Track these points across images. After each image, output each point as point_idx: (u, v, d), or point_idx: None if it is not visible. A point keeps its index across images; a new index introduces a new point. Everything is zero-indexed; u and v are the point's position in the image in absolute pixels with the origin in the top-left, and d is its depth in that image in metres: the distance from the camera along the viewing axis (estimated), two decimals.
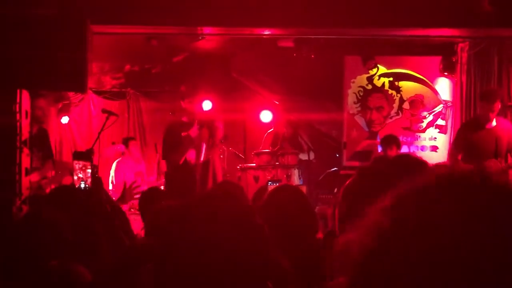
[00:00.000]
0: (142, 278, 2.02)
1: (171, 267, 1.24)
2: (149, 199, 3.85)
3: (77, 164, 4.46)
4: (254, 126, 8.68)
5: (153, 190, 4.37)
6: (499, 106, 5.96)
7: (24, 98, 5.42)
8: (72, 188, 3.94)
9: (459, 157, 6.06)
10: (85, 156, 4.51)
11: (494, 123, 5.93)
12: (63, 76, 4.95)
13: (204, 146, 6.17)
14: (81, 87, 5.09)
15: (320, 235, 2.96)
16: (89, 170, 4.24)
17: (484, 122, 5.94)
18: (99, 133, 6.07)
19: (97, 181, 4.12)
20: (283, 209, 2.59)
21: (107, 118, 6.16)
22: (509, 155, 6.01)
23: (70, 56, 4.94)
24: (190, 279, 1.20)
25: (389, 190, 0.79)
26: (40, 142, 6.19)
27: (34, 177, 5.93)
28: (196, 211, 1.27)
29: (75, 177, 4.39)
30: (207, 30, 6.45)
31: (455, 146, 6.20)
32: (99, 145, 7.07)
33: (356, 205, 1.77)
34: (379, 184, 1.78)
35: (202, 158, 6.18)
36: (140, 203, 4.04)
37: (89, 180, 4.27)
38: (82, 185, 4.24)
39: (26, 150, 5.48)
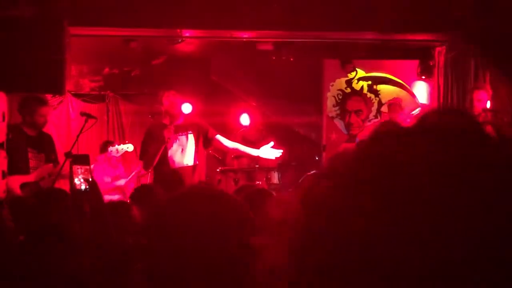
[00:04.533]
0: (134, 279, 2.01)
1: (165, 268, 1.24)
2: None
3: (79, 169, 4.47)
4: (234, 129, 8.69)
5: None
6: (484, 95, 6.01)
7: (1, 100, 5.36)
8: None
9: None
10: (83, 160, 4.51)
11: None
12: (41, 78, 4.92)
13: (194, 150, 6.10)
14: (59, 89, 5.07)
15: None
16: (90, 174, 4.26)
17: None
18: (78, 136, 6.04)
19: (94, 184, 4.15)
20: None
21: (85, 121, 6.13)
22: None
23: (47, 58, 4.91)
24: (184, 278, 1.21)
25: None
26: (41, 144, 6.10)
27: (30, 177, 5.86)
28: (182, 208, 1.28)
29: (77, 181, 4.40)
30: (186, 32, 6.45)
31: None
32: (78, 148, 7.02)
33: None
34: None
35: (192, 162, 6.11)
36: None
37: (87, 182, 4.28)
38: (83, 187, 4.26)
39: (3, 153, 5.42)
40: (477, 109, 5.97)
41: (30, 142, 5.93)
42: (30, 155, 5.93)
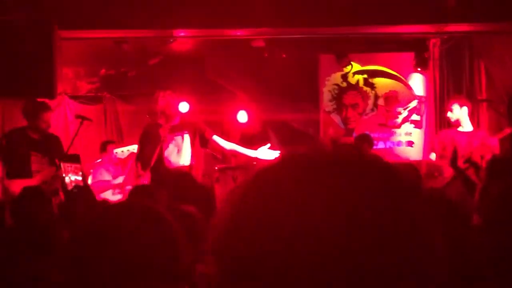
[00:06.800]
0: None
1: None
2: None
3: (69, 167, 4.39)
4: (231, 127, 8.69)
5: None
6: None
7: None
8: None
9: None
10: (74, 158, 4.46)
11: (470, 128, 6.04)
12: (31, 82, 4.93)
13: (190, 150, 6.10)
14: (50, 93, 5.08)
15: None
16: (81, 172, 4.20)
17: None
18: (73, 139, 6.06)
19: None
20: None
21: (81, 124, 6.16)
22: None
23: (38, 62, 4.92)
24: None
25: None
26: (46, 148, 6.08)
27: (33, 181, 5.85)
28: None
29: (67, 180, 4.32)
30: (178, 32, 6.45)
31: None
32: (75, 151, 7.04)
33: None
34: None
35: (188, 162, 6.10)
36: None
37: (78, 181, 4.21)
38: (73, 187, 4.17)
39: None
40: (448, 119, 6.10)
41: (33, 145, 5.90)
42: (33, 158, 5.90)
